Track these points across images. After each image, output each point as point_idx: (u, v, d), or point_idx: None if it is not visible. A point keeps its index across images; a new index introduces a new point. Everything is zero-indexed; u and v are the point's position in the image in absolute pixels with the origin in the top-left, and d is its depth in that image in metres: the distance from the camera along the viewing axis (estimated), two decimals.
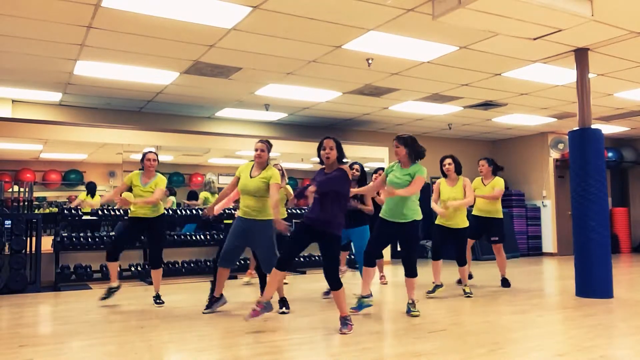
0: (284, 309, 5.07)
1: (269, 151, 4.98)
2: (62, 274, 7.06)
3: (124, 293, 6.47)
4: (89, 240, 7.37)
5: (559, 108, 9.64)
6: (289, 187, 6.72)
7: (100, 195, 8.75)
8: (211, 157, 10.65)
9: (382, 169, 6.03)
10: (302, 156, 10.26)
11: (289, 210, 8.20)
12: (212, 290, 5.73)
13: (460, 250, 6.14)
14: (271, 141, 5.15)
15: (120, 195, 5.45)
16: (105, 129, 8.38)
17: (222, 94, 8.43)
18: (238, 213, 5.00)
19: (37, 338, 4.31)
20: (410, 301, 4.97)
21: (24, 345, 3.92)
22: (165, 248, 7.56)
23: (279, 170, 5.47)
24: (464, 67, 7.07)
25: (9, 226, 6.80)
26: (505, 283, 6.87)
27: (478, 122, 10.96)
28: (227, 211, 7.59)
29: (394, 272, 8.53)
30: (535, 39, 5.82)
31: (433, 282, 6.08)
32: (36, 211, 7.66)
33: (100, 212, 7.71)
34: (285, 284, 6.27)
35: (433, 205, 6.19)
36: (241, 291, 6.66)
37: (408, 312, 4.95)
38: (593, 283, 5.95)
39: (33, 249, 6.94)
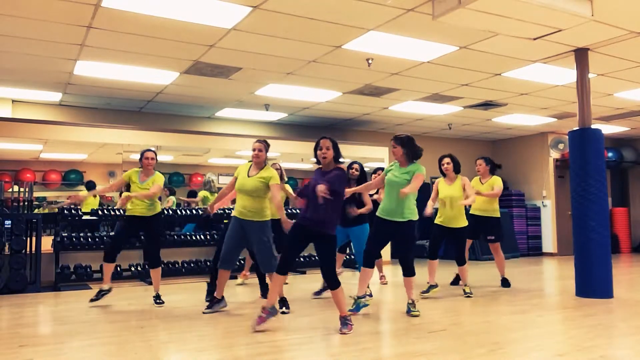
0: (284, 309, 5.07)
1: (266, 151, 4.98)
2: (62, 274, 7.06)
3: (124, 293, 6.48)
4: (89, 240, 7.37)
5: (559, 108, 9.64)
6: (288, 186, 6.72)
7: (99, 196, 8.77)
8: (211, 157, 10.66)
9: (382, 169, 6.03)
10: (302, 156, 10.26)
11: (288, 210, 8.21)
12: (209, 291, 5.75)
13: (459, 249, 6.14)
14: (271, 141, 5.16)
15: (118, 192, 5.45)
16: (105, 129, 8.38)
17: (222, 94, 8.44)
18: (233, 213, 5.00)
19: (37, 338, 4.31)
20: (410, 301, 4.97)
21: (24, 345, 3.92)
22: (165, 248, 7.62)
23: (277, 169, 5.48)
24: (464, 67, 7.07)
25: (9, 226, 6.80)
26: (505, 283, 6.87)
27: (478, 122, 10.96)
28: (227, 211, 7.60)
29: (394, 272, 8.52)
30: (535, 39, 5.82)
31: (428, 282, 6.08)
32: (36, 211, 7.66)
33: (100, 212, 7.71)
34: (286, 284, 6.26)
35: (430, 203, 6.19)
36: (239, 291, 6.67)
37: (408, 312, 4.95)
38: (593, 283, 5.95)
39: (33, 249, 6.94)
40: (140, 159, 5.62)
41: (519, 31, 5.52)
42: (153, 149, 5.78)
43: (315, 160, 4.42)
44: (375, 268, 5.64)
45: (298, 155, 10.17)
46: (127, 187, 5.64)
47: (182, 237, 8.07)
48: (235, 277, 7.29)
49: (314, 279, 7.49)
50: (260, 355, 3.64)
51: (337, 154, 4.36)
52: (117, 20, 5.32)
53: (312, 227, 4.26)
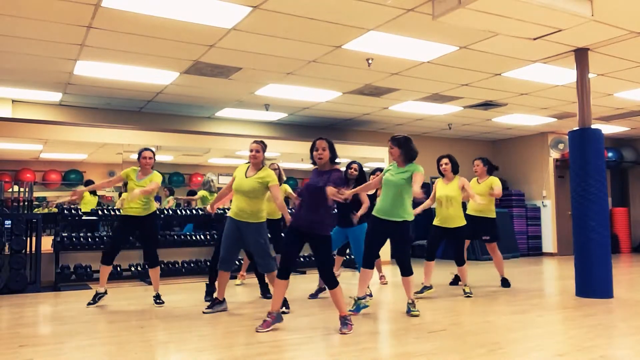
0: (284, 309, 5.06)
1: (264, 151, 4.97)
2: (62, 274, 7.06)
3: (124, 293, 6.48)
4: (89, 240, 7.37)
5: (559, 108, 9.64)
6: (287, 186, 6.73)
7: (98, 195, 8.77)
8: (211, 157, 10.65)
9: (381, 169, 6.03)
10: (302, 156, 10.22)
11: (289, 211, 8.20)
12: (208, 292, 5.75)
13: (458, 250, 6.14)
14: (271, 141, 5.16)
15: (117, 193, 5.45)
16: (105, 129, 8.38)
17: (222, 94, 8.44)
18: (229, 213, 5.00)
19: (37, 338, 4.31)
20: (410, 301, 4.97)
21: (24, 345, 3.92)
22: (165, 248, 7.63)
23: (275, 169, 5.47)
24: (464, 67, 7.07)
25: (9, 226, 6.80)
26: (505, 283, 6.87)
27: (478, 122, 10.96)
28: (227, 210, 7.59)
29: (394, 272, 8.50)
30: (535, 39, 5.82)
31: (422, 283, 6.07)
32: (36, 211, 7.65)
33: (99, 212, 7.71)
34: None
35: (427, 202, 6.21)
36: (238, 291, 6.67)
37: (408, 312, 4.95)
38: (593, 283, 5.95)
39: (33, 249, 6.94)
40: (138, 158, 5.62)
41: (519, 31, 5.52)
42: (151, 148, 5.78)
43: (311, 161, 4.43)
44: (375, 268, 5.64)
45: (298, 155, 10.15)
46: (125, 186, 5.63)
47: (182, 237, 8.07)
48: (235, 277, 7.29)
49: (314, 279, 7.48)
50: (260, 355, 3.64)
51: (334, 155, 4.37)
52: (117, 20, 5.32)
53: (307, 229, 4.27)
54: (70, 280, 7.13)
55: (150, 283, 5.86)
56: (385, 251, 8.26)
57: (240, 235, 4.90)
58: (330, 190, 4.00)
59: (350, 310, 4.78)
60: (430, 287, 6.06)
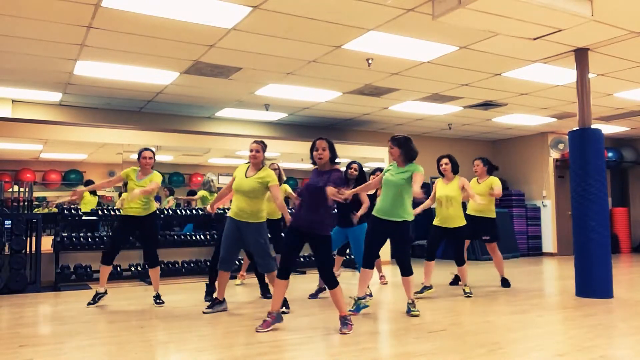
0: (283, 309, 5.06)
1: (264, 151, 4.97)
2: (62, 274, 7.06)
3: (124, 293, 6.48)
4: (89, 240, 7.37)
5: (559, 108, 9.64)
6: (287, 186, 6.73)
7: (98, 196, 8.76)
8: (211, 157, 10.66)
9: (380, 169, 6.03)
10: (302, 156, 10.22)
11: (289, 211, 8.20)
12: (208, 292, 5.75)
13: (458, 250, 6.14)
14: (272, 141, 5.16)
15: (117, 193, 5.45)
16: (105, 129, 8.38)
17: (222, 94, 8.44)
18: (229, 213, 5.00)
19: (37, 338, 4.31)
20: (410, 301, 4.97)
21: (24, 345, 3.92)
22: (165, 248, 7.63)
23: (275, 169, 5.46)
24: (464, 67, 7.07)
25: (9, 226, 6.80)
26: (505, 283, 6.87)
27: (478, 122, 10.96)
28: (227, 210, 7.59)
29: (394, 272, 8.51)
30: (535, 39, 5.83)
31: (422, 283, 6.07)
32: (36, 211, 7.65)
33: (99, 212, 7.70)
34: None
35: (427, 202, 6.21)
36: (238, 291, 6.67)
37: (408, 312, 4.95)
38: (593, 283, 5.95)
39: (33, 249, 6.94)
40: (138, 158, 5.62)
41: (519, 31, 5.52)
42: (151, 148, 5.77)
43: (311, 161, 4.43)
44: (375, 268, 5.64)
45: (298, 155, 10.15)
46: (125, 186, 5.63)
47: (182, 237, 8.07)
48: (236, 277, 7.29)
49: (314, 279, 7.48)
50: (260, 355, 3.64)
51: (333, 155, 4.37)
52: (117, 20, 5.32)
53: (306, 228, 4.27)
54: (70, 280, 7.13)
55: (150, 283, 5.86)
56: (385, 251, 8.26)
57: (240, 235, 4.90)
58: (330, 190, 4.00)
59: (350, 310, 4.78)
60: (430, 287, 6.06)
